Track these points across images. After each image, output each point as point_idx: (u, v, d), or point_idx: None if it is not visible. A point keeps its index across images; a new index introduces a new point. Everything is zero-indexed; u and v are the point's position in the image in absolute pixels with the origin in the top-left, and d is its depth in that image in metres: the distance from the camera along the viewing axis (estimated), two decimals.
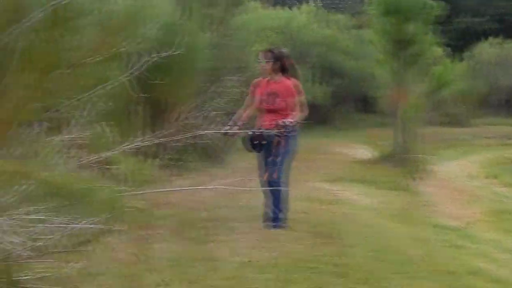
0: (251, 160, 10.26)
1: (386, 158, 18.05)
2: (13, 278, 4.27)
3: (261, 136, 8.07)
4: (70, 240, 4.72)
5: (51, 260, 5.04)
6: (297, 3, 35.97)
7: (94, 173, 5.69)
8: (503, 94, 38.28)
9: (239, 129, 8.49)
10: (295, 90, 8.43)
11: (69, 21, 4.09)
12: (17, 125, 4.12)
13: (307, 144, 15.94)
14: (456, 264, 8.22)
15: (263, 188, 8.31)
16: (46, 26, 3.97)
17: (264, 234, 7.87)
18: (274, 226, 8.09)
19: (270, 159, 8.18)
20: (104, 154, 5.67)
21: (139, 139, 6.07)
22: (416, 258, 7.74)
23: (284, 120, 7.93)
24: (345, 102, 29.89)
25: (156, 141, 6.85)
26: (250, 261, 6.55)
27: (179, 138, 8.30)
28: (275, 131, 7.91)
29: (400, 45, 18.32)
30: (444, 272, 7.39)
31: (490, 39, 41.11)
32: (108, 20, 4.68)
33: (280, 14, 28.48)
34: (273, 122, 8.05)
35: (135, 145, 6.17)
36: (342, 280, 6.08)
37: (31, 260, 4.57)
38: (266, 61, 8.42)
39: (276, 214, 8.12)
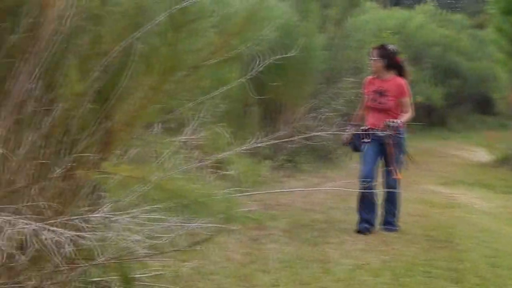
0: None
1: (505, 161, 17.50)
2: (130, 276, 4.35)
3: (365, 135, 7.75)
4: (186, 240, 4.78)
5: (167, 259, 5.13)
6: (414, 3, 35.50)
7: (209, 174, 5.75)
8: None
9: (352, 132, 8.03)
10: (406, 89, 7.96)
11: (189, 24, 4.13)
12: (138, 127, 4.20)
13: (422, 146, 15.79)
14: None
15: (363, 191, 7.75)
16: (167, 30, 4.03)
17: (376, 236, 7.82)
18: (386, 229, 7.93)
19: (383, 161, 7.88)
20: (220, 155, 5.71)
21: (254, 140, 6.08)
22: None
23: (392, 120, 7.59)
24: (462, 104, 29.07)
25: (271, 142, 6.86)
26: (362, 264, 6.54)
27: (293, 139, 8.36)
28: (384, 132, 7.57)
29: None
30: None
31: None
32: (226, 23, 4.70)
33: (397, 14, 27.94)
34: (380, 122, 7.70)
35: (250, 146, 6.20)
36: (457, 286, 6.02)
37: (148, 258, 4.65)
38: (376, 58, 8.06)
39: (389, 217, 7.91)
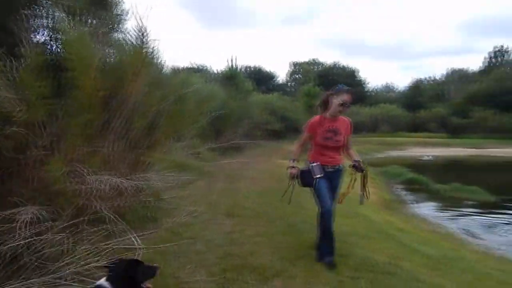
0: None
1: None
2: (160, 197, 4.19)
3: (318, 171, 3.25)
4: (183, 182, 4.68)
5: (176, 189, 4.90)
6: (273, 91, 34.31)
7: (193, 157, 5.60)
8: None
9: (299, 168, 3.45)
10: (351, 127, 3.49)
11: (185, 99, 4.04)
12: (165, 139, 4.05)
13: None
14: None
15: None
16: (176, 101, 3.92)
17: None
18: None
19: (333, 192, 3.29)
20: (197, 150, 5.58)
21: (211, 144, 6.01)
22: None
23: (357, 160, 3.34)
24: None
25: (218, 145, 6.80)
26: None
27: (226, 144, 8.21)
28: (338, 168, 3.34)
29: None
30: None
31: None
32: (199, 98, 4.61)
33: (268, 96, 24.82)
34: (335, 159, 3.34)
35: (210, 146, 6.13)
36: None
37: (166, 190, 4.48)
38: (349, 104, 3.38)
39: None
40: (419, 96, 42.85)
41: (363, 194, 3.38)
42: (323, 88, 20.21)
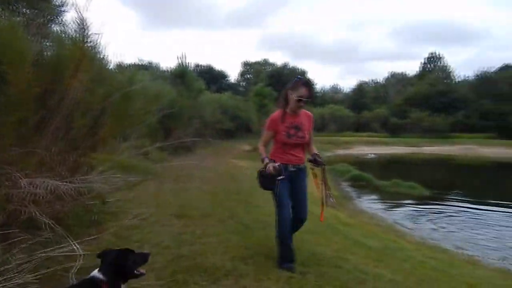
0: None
1: None
2: (104, 200, 3.98)
3: (280, 172, 2.84)
4: (129, 183, 4.49)
5: (121, 192, 4.72)
6: (224, 91, 34.24)
7: (141, 158, 5.38)
8: None
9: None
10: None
11: (132, 96, 3.88)
12: (110, 138, 3.84)
13: None
14: None
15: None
16: (122, 99, 3.75)
17: None
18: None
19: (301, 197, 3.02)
20: (145, 149, 5.38)
21: (160, 143, 5.84)
22: None
23: (317, 154, 3.00)
24: None
25: (167, 144, 6.63)
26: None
27: (175, 142, 7.96)
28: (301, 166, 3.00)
29: None
30: None
31: None
32: (147, 96, 4.45)
33: (219, 95, 25.12)
34: (298, 157, 3.00)
35: (158, 145, 5.95)
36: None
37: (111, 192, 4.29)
38: (308, 99, 2.96)
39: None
40: (363, 97, 45.28)
41: (329, 195, 3.09)
42: (274, 88, 20.56)
